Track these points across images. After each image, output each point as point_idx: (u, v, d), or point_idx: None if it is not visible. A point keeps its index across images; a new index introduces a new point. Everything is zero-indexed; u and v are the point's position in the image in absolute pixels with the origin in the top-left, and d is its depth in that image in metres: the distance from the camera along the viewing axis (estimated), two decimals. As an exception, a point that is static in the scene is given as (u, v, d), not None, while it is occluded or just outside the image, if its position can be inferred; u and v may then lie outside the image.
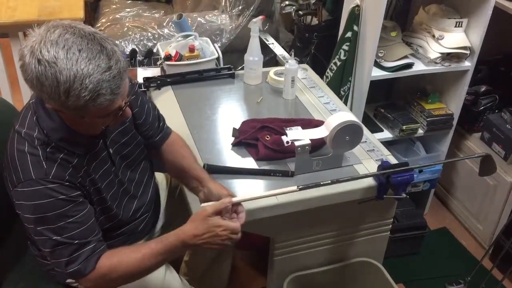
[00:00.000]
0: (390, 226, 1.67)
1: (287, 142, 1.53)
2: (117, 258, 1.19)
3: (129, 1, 3.46)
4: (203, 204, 1.29)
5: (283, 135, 1.55)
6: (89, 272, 1.15)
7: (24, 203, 1.12)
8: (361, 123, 1.47)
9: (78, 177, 1.17)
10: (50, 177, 1.12)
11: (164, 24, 2.65)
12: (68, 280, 1.37)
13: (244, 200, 1.30)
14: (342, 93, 2.08)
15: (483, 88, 2.31)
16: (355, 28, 1.98)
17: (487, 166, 1.53)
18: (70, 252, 1.15)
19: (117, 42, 2.52)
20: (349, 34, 2.01)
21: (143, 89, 1.89)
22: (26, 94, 2.55)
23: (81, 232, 1.15)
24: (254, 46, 1.92)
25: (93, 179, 1.23)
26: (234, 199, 1.27)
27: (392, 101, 2.42)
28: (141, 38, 2.57)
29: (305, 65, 2.18)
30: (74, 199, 1.15)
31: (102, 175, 1.26)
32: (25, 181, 1.11)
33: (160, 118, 1.51)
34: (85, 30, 1.04)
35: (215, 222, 1.19)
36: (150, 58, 2.24)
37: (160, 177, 1.70)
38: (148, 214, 1.46)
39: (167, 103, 1.83)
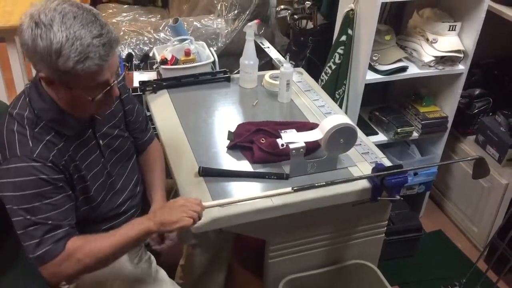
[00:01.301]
0: (385, 228, 1.68)
1: (282, 145, 1.54)
2: (85, 241, 1.20)
3: (126, 6, 3.48)
4: (207, 204, 1.32)
5: (278, 138, 1.56)
6: (58, 254, 1.16)
7: (7, 180, 1.15)
8: (355, 126, 1.49)
9: (62, 160, 1.20)
10: (34, 156, 1.15)
11: (160, 28, 2.66)
12: (63, 283, 1.38)
13: (219, 204, 1.34)
14: (337, 96, 2.10)
15: (477, 91, 2.32)
16: (350, 32, 2.00)
17: (480, 169, 1.55)
18: (41, 233, 1.16)
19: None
20: (343, 38, 2.02)
21: (139, 93, 1.90)
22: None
23: (55, 215, 1.17)
24: (249, 50, 1.93)
25: (78, 166, 1.26)
26: (210, 203, 1.32)
27: (387, 104, 2.43)
28: (137, 42, 2.58)
29: (300, 69, 2.20)
30: (54, 182, 1.18)
31: (89, 164, 1.29)
32: (10, 158, 1.15)
33: (148, 122, 1.56)
34: (82, 4, 1.13)
35: (176, 200, 1.27)
36: (146, 62, 2.25)
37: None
38: (135, 211, 1.47)
39: (163, 107, 1.84)
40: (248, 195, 1.39)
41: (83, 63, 1.07)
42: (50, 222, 1.16)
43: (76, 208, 1.27)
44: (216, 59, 2.09)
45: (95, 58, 1.08)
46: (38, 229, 1.16)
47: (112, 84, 1.18)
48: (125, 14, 3.31)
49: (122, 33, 2.67)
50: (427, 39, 2.07)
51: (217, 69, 2.09)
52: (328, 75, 2.13)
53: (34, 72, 2.69)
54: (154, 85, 1.92)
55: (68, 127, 1.22)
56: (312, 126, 1.60)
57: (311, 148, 1.55)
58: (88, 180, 1.29)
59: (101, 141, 1.33)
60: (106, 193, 1.36)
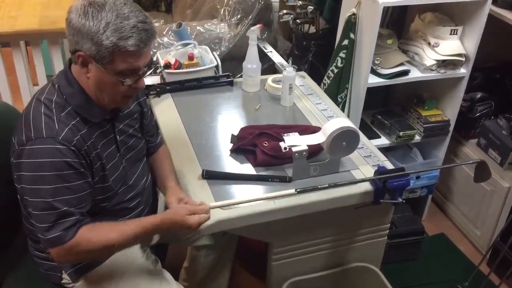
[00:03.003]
0: (387, 231, 1.69)
1: (285, 148, 1.55)
2: (95, 233, 1.24)
3: (129, 11, 3.49)
4: (211, 204, 1.34)
5: (281, 141, 1.57)
6: (68, 240, 1.20)
7: (30, 160, 1.19)
8: (357, 129, 1.50)
9: (84, 146, 1.24)
10: (60, 138, 1.19)
11: (164, 33, 2.68)
12: (64, 281, 1.40)
13: (224, 205, 1.33)
14: (340, 100, 2.11)
15: (478, 95, 2.33)
16: (352, 36, 2.01)
17: (482, 172, 1.55)
18: (55, 218, 1.19)
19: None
20: (346, 42, 2.04)
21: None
22: (27, 102, 2.57)
23: (71, 200, 1.21)
24: (252, 54, 1.94)
25: (99, 154, 1.30)
26: (215, 204, 1.34)
27: (389, 107, 2.44)
28: (141, 46, 2.59)
29: (303, 73, 2.21)
30: (76, 167, 1.21)
31: (108, 155, 1.33)
32: (36, 139, 1.19)
33: (158, 128, 1.61)
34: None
35: (184, 210, 1.31)
36: (150, 66, 2.26)
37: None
38: (143, 209, 1.49)
39: (166, 111, 1.85)
40: (252, 197, 1.40)
41: (125, 41, 1.16)
42: (64, 208, 1.19)
43: (90, 195, 1.29)
44: (219, 63, 2.10)
45: (137, 39, 1.17)
46: (52, 215, 1.19)
47: (141, 74, 1.25)
48: (128, 19, 3.32)
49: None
50: (429, 43, 2.09)
51: (220, 73, 2.10)
52: (331, 79, 2.14)
53: (39, 77, 2.71)
54: (158, 89, 1.94)
55: (92, 114, 1.28)
56: (315, 130, 1.61)
57: (314, 151, 1.56)
58: (107, 169, 1.32)
59: (118, 137, 1.38)
60: (121, 186, 1.39)
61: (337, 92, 2.11)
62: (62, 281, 1.41)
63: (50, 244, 1.21)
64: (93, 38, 1.16)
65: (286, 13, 2.59)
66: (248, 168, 1.56)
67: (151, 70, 1.31)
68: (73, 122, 1.23)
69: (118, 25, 1.15)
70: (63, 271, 1.39)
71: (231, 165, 1.57)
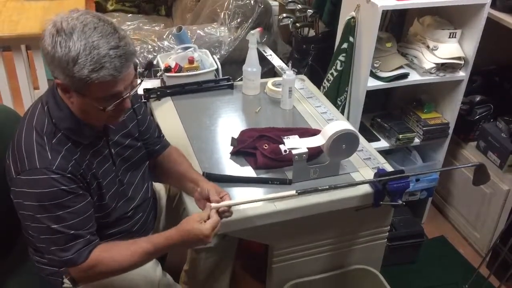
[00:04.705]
0: (387, 233, 1.69)
1: (285, 151, 1.56)
2: (109, 254, 1.24)
3: (130, 15, 3.51)
4: (213, 205, 1.30)
5: (281, 144, 1.58)
6: (81, 262, 1.21)
7: (27, 190, 1.18)
8: (357, 132, 1.50)
9: (80, 169, 1.23)
10: (54, 168, 1.17)
11: (164, 36, 2.69)
12: (65, 285, 1.40)
13: (225, 205, 1.31)
14: (339, 103, 2.11)
15: (478, 98, 2.34)
16: (351, 39, 2.02)
17: (480, 175, 1.56)
18: (64, 241, 1.20)
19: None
20: (345, 45, 2.05)
21: (143, 101, 1.93)
22: (28, 106, 2.58)
23: (77, 223, 1.21)
24: (252, 57, 1.95)
25: (95, 174, 1.29)
26: (217, 204, 1.30)
27: (388, 110, 2.45)
28: (142, 50, 2.60)
29: (302, 76, 2.22)
30: (74, 191, 1.20)
31: (104, 172, 1.32)
32: (30, 169, 1.17)
33: (160, 131, 1.59)
34: (104, 17, 1.17)
35: (199, 231, 1.23)
36: (150, 70, 2.28)
37: (159, 186, 1.73)
38: (142, 216, 1.49)
39: (167, 114, 1.86)
40: (252, 198, 1.40)
41: (97, 72, 1.10)
42: (72, 232, 1.20)
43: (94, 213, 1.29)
44: (219, 67, 2.11)
45: (110, 68, 1.11)
46: (61, 238, 1.19)
47: (124, 97, 1.19)
48: (129, 23, 3.34)
49: (126, 41, 2.70)
50: (428, 46, 2.09)
51: (220, 76, 2.11)
52: (330, 82, 2.15)
53: (40, 80, 2.73)
54: (158, 93, 1.95)
55: (83, 136, 1.25)
56: (315, 132, 1.62)
57: (314, 153, 1.57)
58: (103, 187, 1.31)
59: (113, 149, 1.36)
60: (118, 200, 1.38)
61: (336, 95, 2.12)
62: (63, 286, 1.40)
63: (64, 265, 1.22)
64: (64, 70, 1.11)
65: (286, 17, 2.60)
66: (248, 171, 1.57)
67: (136, 88, 1.25)
68: (65, 148, 1.21)
69: (87, 56, 1.08)
70: (64, 276, 1.39)
71: (232, 168, 1.58)
